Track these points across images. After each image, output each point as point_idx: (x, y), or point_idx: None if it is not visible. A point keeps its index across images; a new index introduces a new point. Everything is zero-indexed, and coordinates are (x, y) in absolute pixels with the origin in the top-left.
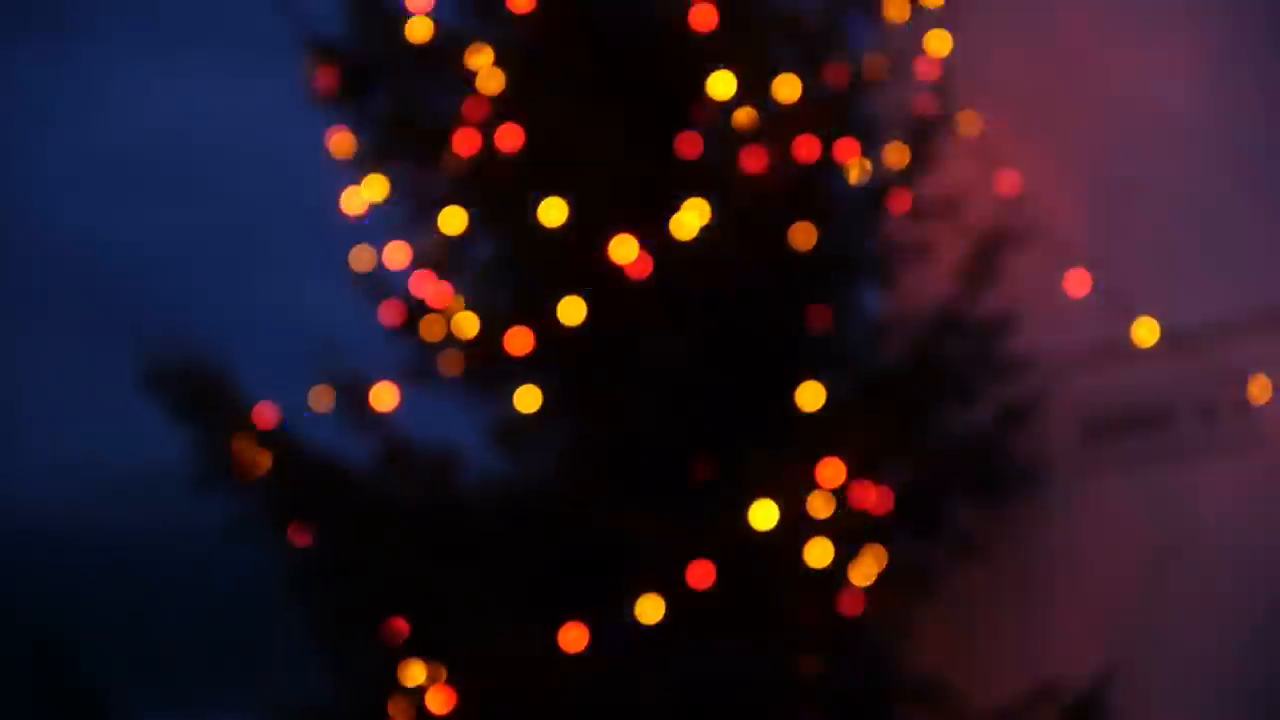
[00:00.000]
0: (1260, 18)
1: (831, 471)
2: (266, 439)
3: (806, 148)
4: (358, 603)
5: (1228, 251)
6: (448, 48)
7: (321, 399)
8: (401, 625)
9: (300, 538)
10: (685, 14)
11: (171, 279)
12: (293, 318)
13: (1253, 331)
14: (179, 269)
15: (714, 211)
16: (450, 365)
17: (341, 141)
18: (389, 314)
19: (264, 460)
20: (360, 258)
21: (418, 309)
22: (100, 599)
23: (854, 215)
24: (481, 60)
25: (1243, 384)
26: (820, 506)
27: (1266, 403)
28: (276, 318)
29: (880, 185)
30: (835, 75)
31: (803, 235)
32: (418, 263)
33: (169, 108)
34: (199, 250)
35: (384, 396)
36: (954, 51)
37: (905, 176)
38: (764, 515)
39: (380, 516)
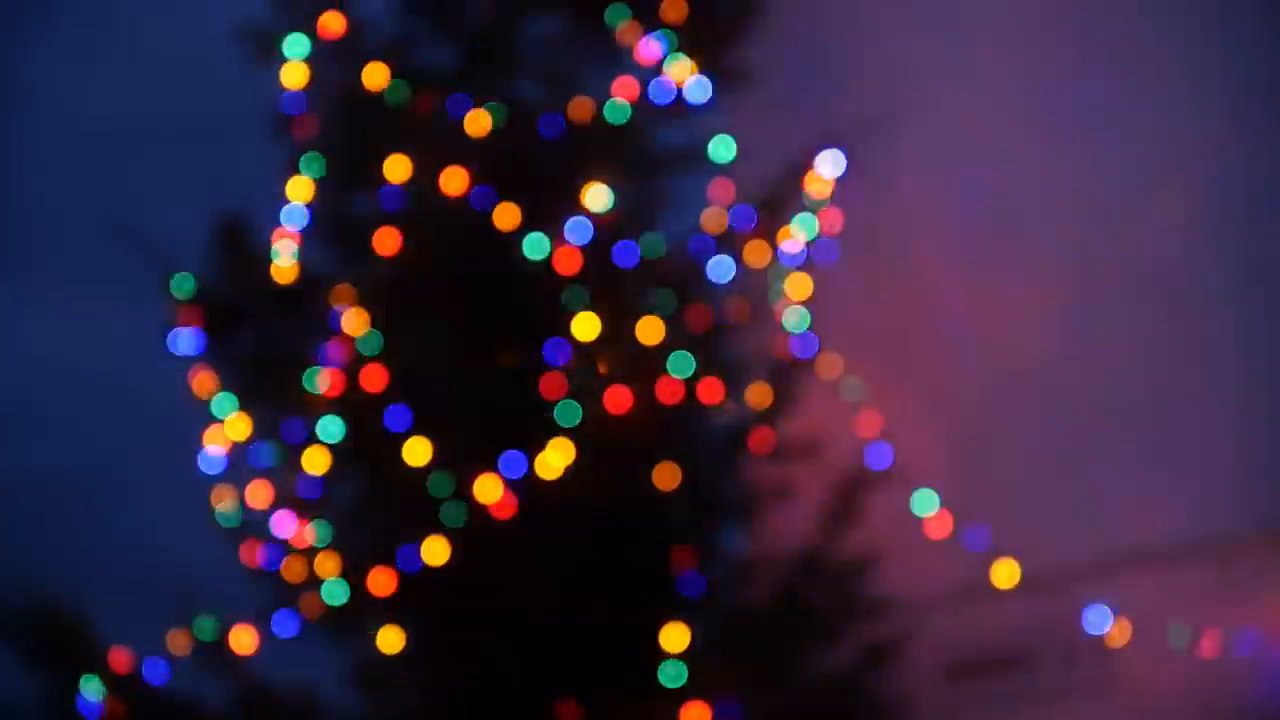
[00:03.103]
0: (1114, 267)
1: (696, 714)
2: (121, 685)
3: (669, 389)
4: None
5: (1087, 493)
6: (312, 289)
7: (179, 641)
8: None
9: None
10: (549, 257)
11: (25, 517)
12: (151, 557)
13: (1113, 573)
14: (33, 507)
15: (578, 452)
16: (311, 606)
17: (204, 380)
18: (250, 554)
19: (118, 708)
20: (222, 497)
21: (279, 549)
22: None
23: (717, 456)
24: (346, 301)
25: (1102, 626)
26: None
27: (1125, 645)
28: (134, 557)
29: (742, 426)
30: (697, 317)
31: (666, 476)
32: (280, 503)
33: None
34: (52, 487)
35: (243, 639)
36: (814, 294)
37: (767, 417)
38: None
39: None
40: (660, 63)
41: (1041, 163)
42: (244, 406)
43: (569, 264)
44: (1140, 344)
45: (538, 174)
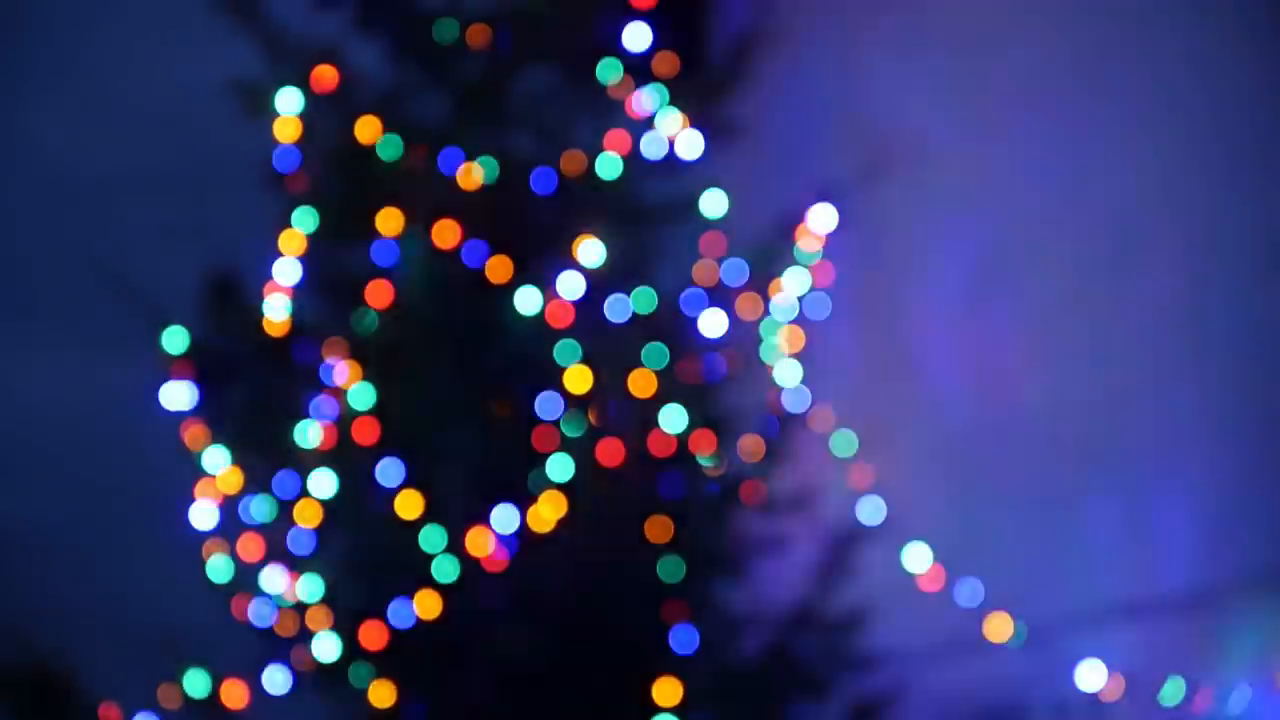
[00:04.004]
0: (1108, 317)
1: None
2: None
3: (661, 442)
4: None
5: (1080, 545)
6: (304, 342)
7: (169, 696)
8: None
9: None
10: (541, 310)
11: (13, 569)
12: (141, 610)
13: (1105, 626)
14: (21, 558)
15: (570, 505)
16: (303, 661)
17: (195, 433)
18: (241, 608)
19: None
20: (213, 550)
21: (271, 603)
22: None
23: (709, 509)
24: (338, 355)
25: (1096, 680)
26: None
27: (1118, 700)
28: (124, 609)
29: (735, 479)
30: (689, 371)
31: (658, 529)
32: (271, 556)
33: (13, 388)
34: (40, 539)
35: (234, 693)
36: (806, 348)
37: (759, 470)
38: None
39: None
40: (652, 117)
41: (1035, 213)
42: (235, 460)
43: (561, 317)
44: (1134, 396)
45: (530, 227)
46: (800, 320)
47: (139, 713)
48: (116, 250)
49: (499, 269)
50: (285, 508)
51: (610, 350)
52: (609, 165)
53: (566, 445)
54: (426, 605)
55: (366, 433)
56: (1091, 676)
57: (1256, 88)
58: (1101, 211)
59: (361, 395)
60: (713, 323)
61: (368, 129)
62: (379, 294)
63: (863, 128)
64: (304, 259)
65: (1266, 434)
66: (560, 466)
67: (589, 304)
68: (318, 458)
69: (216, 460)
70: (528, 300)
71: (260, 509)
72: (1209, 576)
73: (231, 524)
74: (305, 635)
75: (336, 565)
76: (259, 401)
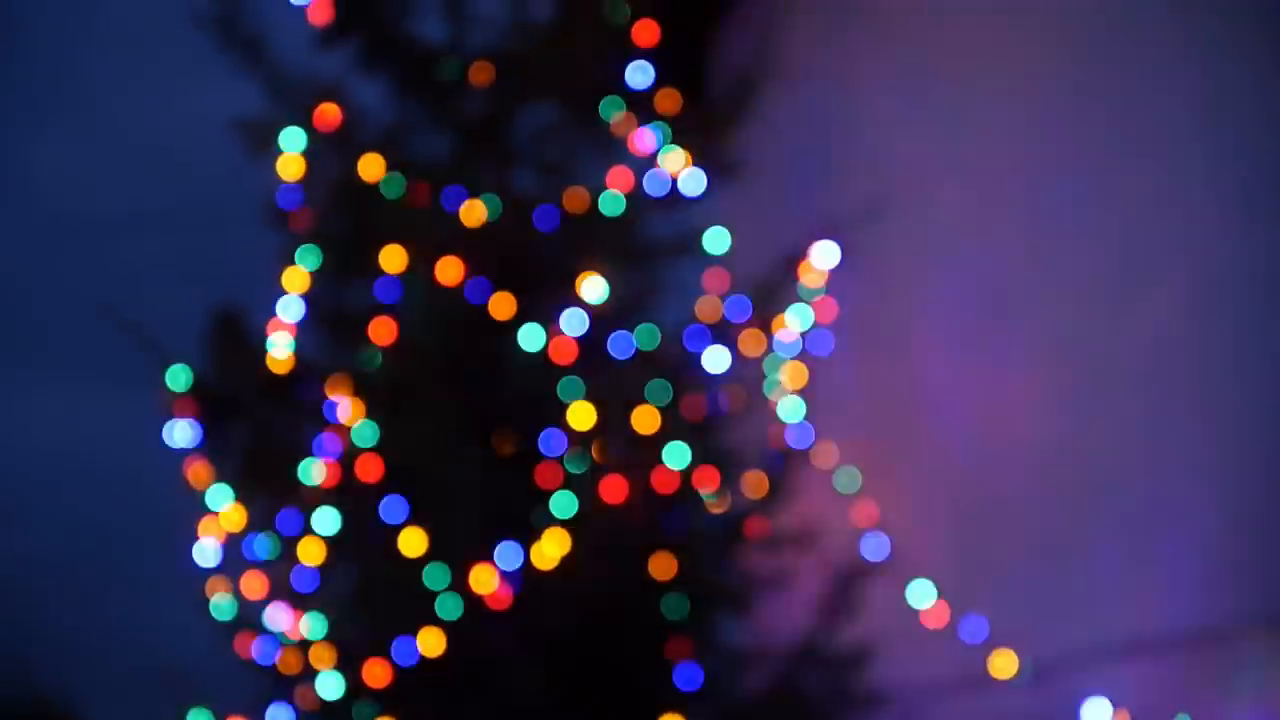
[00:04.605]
0: (1110, 352)
1: None
2: None
3: (665, 478)
4: None
5: (1085, 581)
6: (308, 380)
7: None
8: None
9: None
10: (545, 348)
11: (17, 606)
12: (145, 648)
13: (1111, 663)
14: (26, 596)
15: (574, 542)
16: (306, 699)
17: (199, 471)
18: (244, 646)
19: None
20: (217, 588)
21: (274, 641)
22: None
23: (713, 546)
24: (341, 392)
25: (1101, 717)
26: None
27: None
28: (127, 647)
29: (738, 516)
30: (692, 407)
31: (662, 566)
32: (275, 594)
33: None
34: (45, 577)
35: None
36: (809, 384)
37: (763, 507)
38: None
39: None
40: (655, 154)
41: (1035, 250)
42: (239, 497)
43: (564, 354)
44: (1137, 431)
45: (533, 264)
46: (803, 356)
47: None
48: (120, 288)
49: (502, 306)
50: (288, 545)
51: (613, 386)
52: (612, 202)
53: (570, 482)
54: (430, 643)
55: (370, 470)
56: (1097, 714)
57: (1260, 126)
58: (1103, 247)
59: (364, 432)
60: (716, 359)
61: (371, 167)
62: (382, 331)
63: (865, 164)
64: (307, 296)
65: (1269, 471)
66: (564, 503)
67: (592, 340)
68: (321, 495)
69: (220, 497)
70: (531, 337)
71: (263, 546)
72: (1213, 613)
73: (235, 561)
74: (309, 673)
75: (340, 603)
76: (262, 438)
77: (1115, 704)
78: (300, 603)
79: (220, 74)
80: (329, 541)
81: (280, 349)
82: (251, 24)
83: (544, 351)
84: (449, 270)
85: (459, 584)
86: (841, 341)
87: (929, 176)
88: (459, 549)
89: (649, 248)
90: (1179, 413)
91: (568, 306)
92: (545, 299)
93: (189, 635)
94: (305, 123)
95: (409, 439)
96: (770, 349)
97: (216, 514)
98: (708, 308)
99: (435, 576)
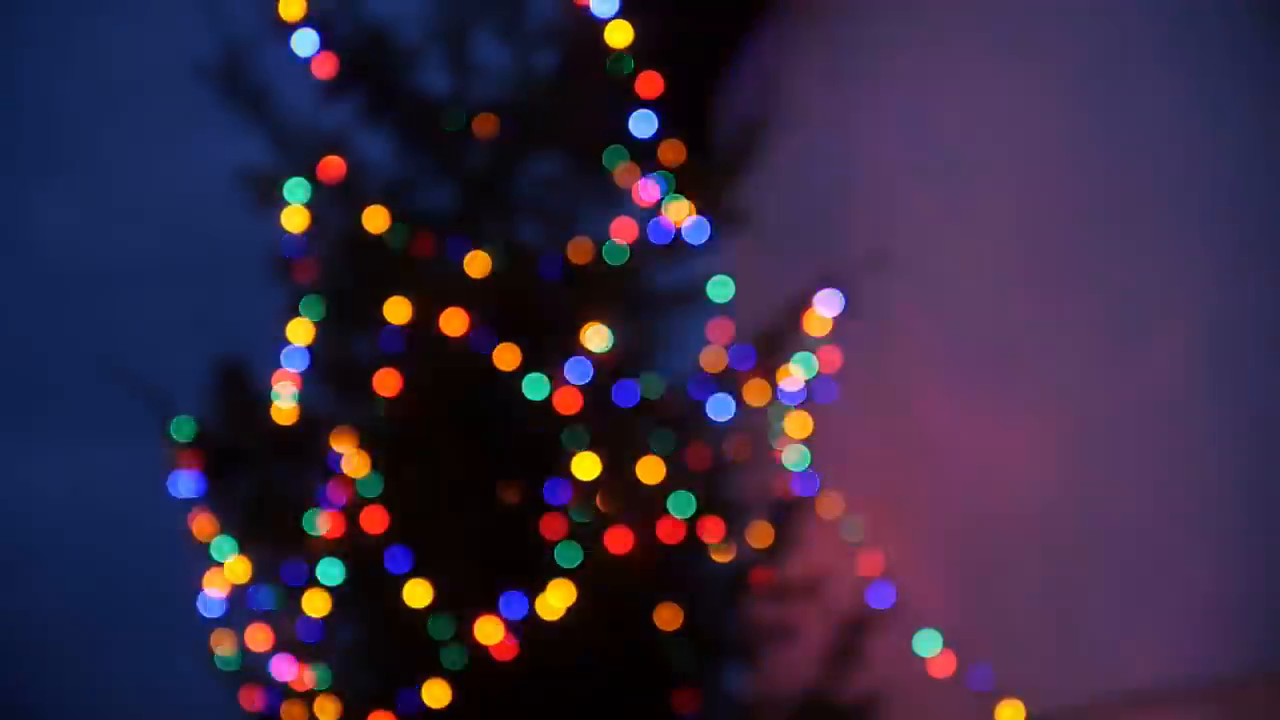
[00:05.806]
0: (1115, 403)
1: None
2: None
3: (669, 529)
4: None
5: (1090, 633)
6: (312, 431)
7: None
8: None
9: None
10: (549, 398)
11: (24, 659)
12: (150, 700)
13: (1116, 716)
14: (31, 648)
15: (579, 592)
16: None
17: (203, 523)
18: (249, 698)
19: None
20: (221, 640)
21: (279, 693)
22: None
23: (718, 596)
24: (346, 443)
25: None
26: None
27: None
28: (132, 700)
29: (744, 566)
30: (697, 457)
31: (667, 616)
32: (280, 646)
33: (24, 480)
34: (50, 629)
35: None
36: (814, 433)
37: (768, 557)
38: None
39: None
40: (658, 204)
41: (1040, 300)
42: (244, 549)
43: (569, 404)
44: (1142, 481)
45: (537, 314)
46: (808, 405)
47: None
48: (124, 340)
49: (506, 356)
50: (293, 596)
51: (618, 436)
52: (616, 252)
53: (575, 532)
54: (435, 694)
55: (374, 521)
56: None
57: (1257, 175)
58: (1104, 301)
59: (369, 483)
60: (720, 408)
61: (375, 218)
62: (387, 382)
63: (868, 215)
64: (311, 348)
65: (1270, 522)
66: (569, 553)
67: (597, 390)
68: (326, 546)
69: (224, 548)
70: (535, 387)
71: (268, 597)
72: (1216, 664)
73: (240, 612)
74: None
75: (345, 654)
76: (267, 489)
77: None
78: (305, 654)
79: (224, 127)
80: (334, 592)
81: (285, 400)
82: (255, 77)
83: (548, 401)
84: (453, 321)
85: (464, 635)
86: (846, 390)
87: (932, 223)
88: (464, 600)
89: (653, 297)
90: (1184, 464)
91: (572, 356)
92: (549, 349)
93: (194, 687)
94: (309, 175)
95: (413, 490)
96: (775, 398)
97: (221, 565)
98: (712, 357)
99: (440, 627)
